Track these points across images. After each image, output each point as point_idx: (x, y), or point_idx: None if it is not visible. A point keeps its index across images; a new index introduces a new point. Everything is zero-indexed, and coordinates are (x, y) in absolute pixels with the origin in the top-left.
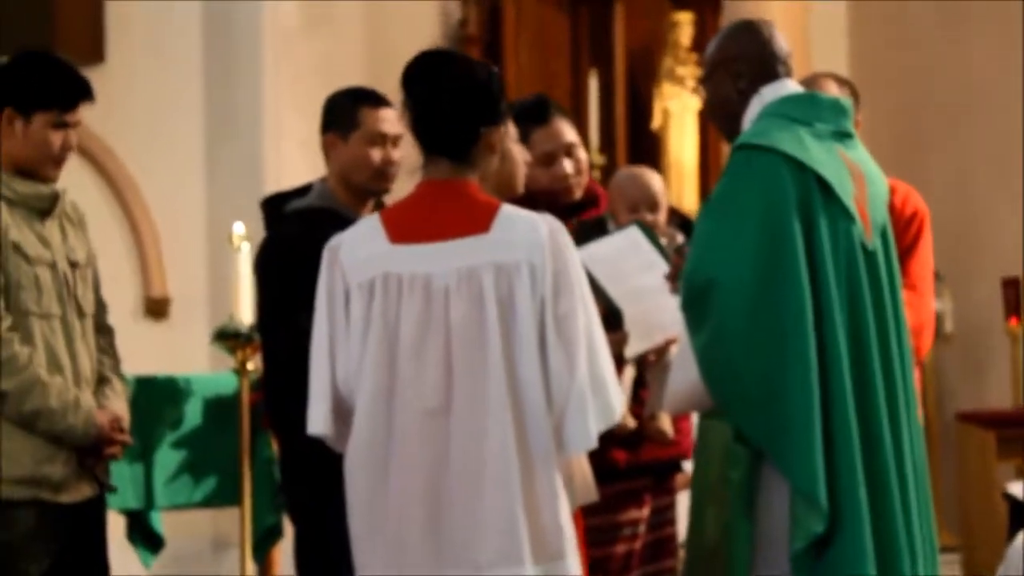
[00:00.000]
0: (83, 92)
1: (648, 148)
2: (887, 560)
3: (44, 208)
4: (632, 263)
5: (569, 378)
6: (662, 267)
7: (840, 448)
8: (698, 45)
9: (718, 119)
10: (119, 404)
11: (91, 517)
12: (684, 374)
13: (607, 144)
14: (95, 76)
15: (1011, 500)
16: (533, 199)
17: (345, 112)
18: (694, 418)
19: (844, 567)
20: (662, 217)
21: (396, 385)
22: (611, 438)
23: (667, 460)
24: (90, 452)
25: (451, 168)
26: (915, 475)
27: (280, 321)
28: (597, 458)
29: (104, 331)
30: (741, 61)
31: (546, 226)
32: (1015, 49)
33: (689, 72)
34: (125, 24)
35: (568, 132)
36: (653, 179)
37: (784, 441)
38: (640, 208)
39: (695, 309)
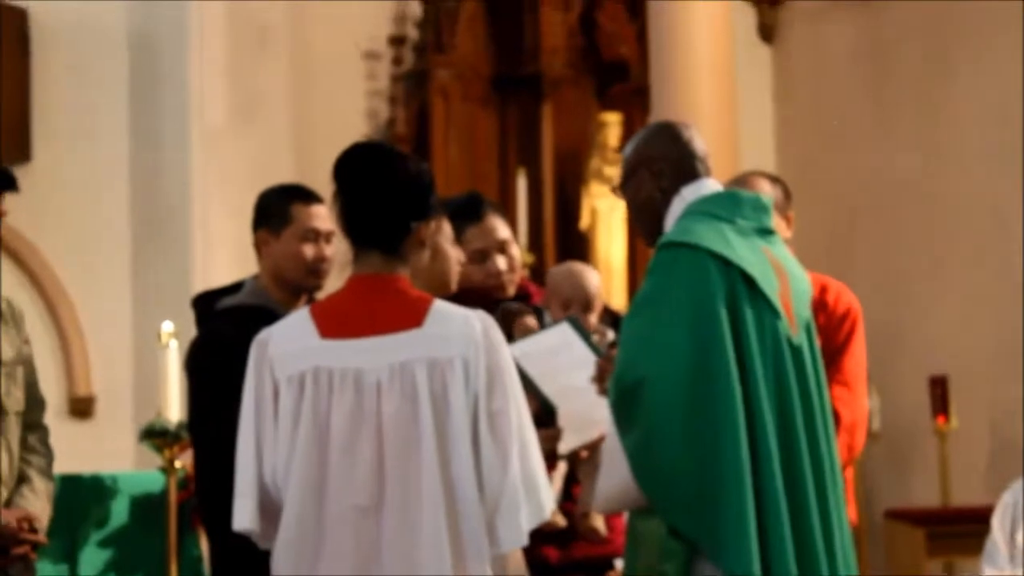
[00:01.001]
0: (10, 180)
1: (576, 247)
2: None
3: None
4: (564, 359)
5: (501, 475)
6: (592, 364)
7: (773, 540)
8: (625, 145)
9: (640, 221)
10: (37, 504)
11: None
12: (614, 474)
13: (536, 243)
14: (22, 174)
15: None
16: (466, 295)
17: (277, 208)
18: (626, 515)
19: None
20: (594, 317)
21: (326, 481)
22: (543, 535)
23: (600, 557)
24: None
25: (382, 262)
26: (846, 570)
27: (211, 419)
28: (529, 555)
29: (35, 429)
30: (662, 161)
31: (479, 322)
32: (943, 145)
33: (616, 172)
34: (51, 123)
35: (501, 229)
36: (589, 276)
37: (719, 535)
38: (573, 306)
39: (626, 408)
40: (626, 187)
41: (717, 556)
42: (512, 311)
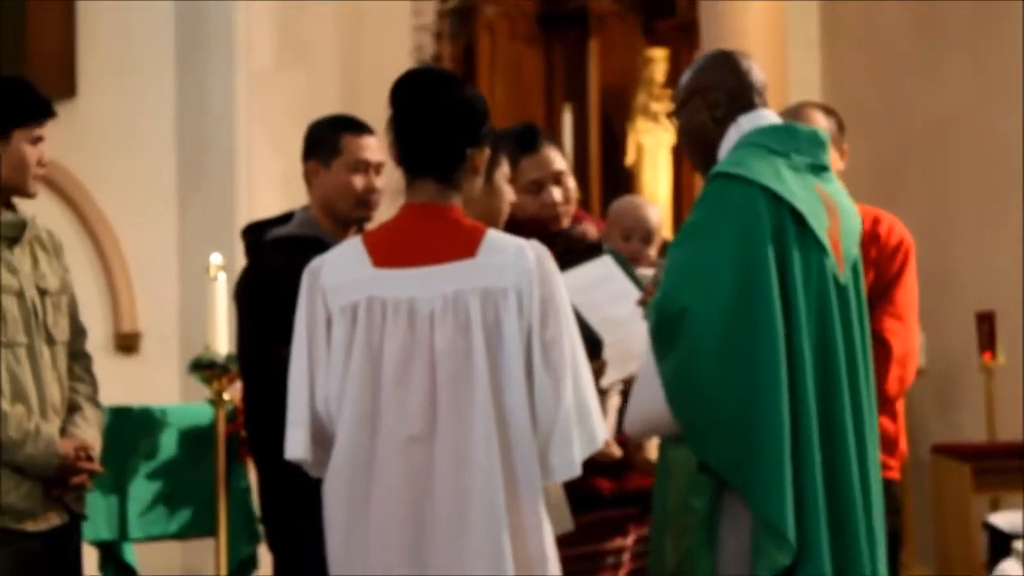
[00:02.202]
0: (48, 107)
1: (622, 183)
2: None
3: (12, 236)
4: (606, 292)
5: (555, 405)
6: (635, 297)
7: (806, 482)
8: (672, 81)
9: (692, 149)
10: (89, 432)
11: (62, 546)
12: (645, 399)
13: (582, 180)
14: (67, 111)
15: (991, 531)
16: (521, 226)
17: (327, 140)
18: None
19: None
20: (654, 249)
21: (379, 411)
22: (595, 466)
23: (652, 489)
24: (55, 481)
25: (436, 190)
26: (878, 509)
27: (261, 349)
28: (582, 486)
29: (80, 358)
30: (718, 90)
31: (533, 252)
32: (993, 82)
33: (663, 108)
34: (97, 59)
35: (557, 160)
36: (651, 209)
37: (752, 473)
38: (633, 237)
39: (665, 336)
40: (680, 114)
41: (748, 496)
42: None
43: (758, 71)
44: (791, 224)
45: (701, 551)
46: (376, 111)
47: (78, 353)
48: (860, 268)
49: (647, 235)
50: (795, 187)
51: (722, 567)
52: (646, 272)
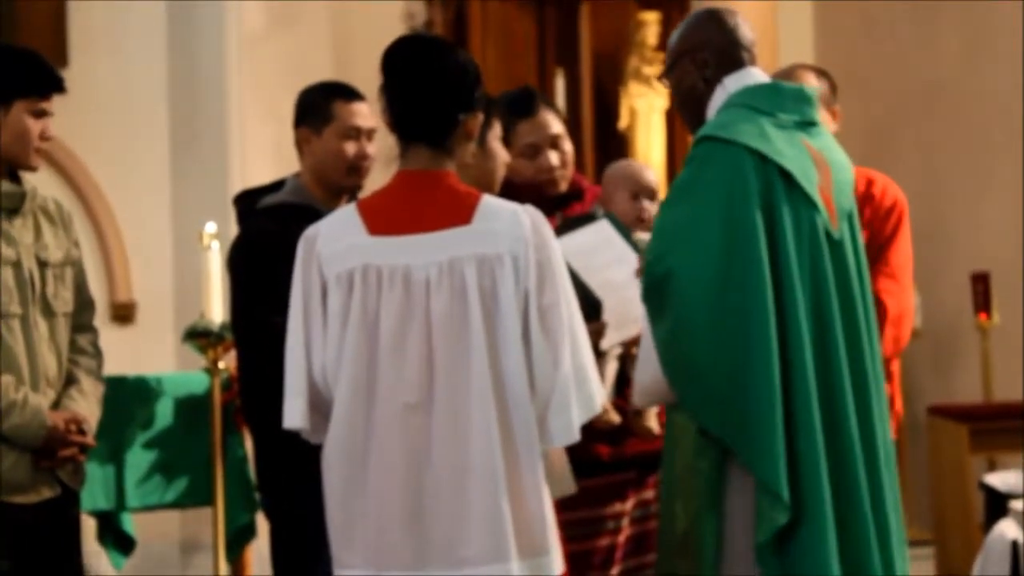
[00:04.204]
0: (57, 81)
1: (615, 148)
2: (855, 552)
3: (12, 207)
4: (604, 256)
5: (553, 370)
6: (633, 261)
7: (803, 440)
8: (664, 44)
9: (684, 111)
10: (84, 405)
11: (55, 519)
12: (648, 366)
13: (574, 144)
14: None
15: (988, 491)
16: (517, 190)
17: (318, 106)
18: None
19: (807, 559)
20: (655, 208)
21: (376, 378)
22: (594, 432)
23: (651, 454)
24: (44, 453)
25: (430, 156)
26: (887, 468)
27: (254, 317)
28: (581, 451)
29: (85, 331)
30: (706, 50)
31: (528, 218)
32: (986, 43)
33: (655, 71)
34: (88, 28)
35: (554, 124)
36: (650, 170)
37: (746, 435)
38: (641, 196)
39: (655, 299)
40: (669, 76)
41: (743, 456)
42: (574, 220)
43: (746, 27)
44: (779, 183)
45: (707, 514)
46: (368, 77)
47: (83, 326)
48: (856, 221)
49: (652, 193)
50: (782, 145)
51: (729, 528)
52: (644, 236)
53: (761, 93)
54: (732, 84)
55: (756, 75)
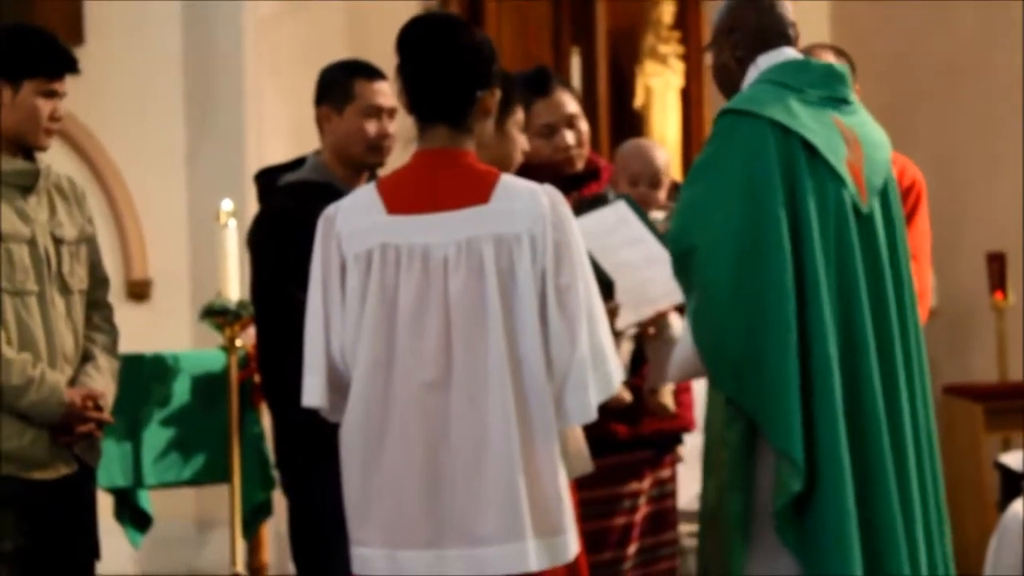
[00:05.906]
0: (70, 62)
1: (631, 127)
2: (879, 523)
3: (26, 184)
4: (620, 237)
5: (570, 350)
6: (649, 242)
7: (822, 410)
8: (680, 23)
9: (721, 88)
10: (101, 381)
11: (72, 495)
12: (686, 340)
13: (590, 123)
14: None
15: (1003, 471)
16: (534, 170)
17: (340, 84)
18: (696, 392)
19: (824, 527)
20: (663, 193)
21: (394, 357)
22: (611, 411)
23: (668, 433)
24: (62, 429)
25: (448, 135)
26: (922, 445)
27: (275, 294)
28: (598, 430)
29: (100, 307)
30: (739, 31)
31: (546, 197)
32: (1001, 25)
33: (671, 50)
34: (104, 7)
35: (570, 103)
36: (657, 152)
37: (763, 403)
38: (640, 182)
39: (682, 275)
40: (711, 52)
41: (760, 424)
42: (589, 201)
43: (784, 6)
44: (802, 155)
45: (734, 486)
46: (383, 57)
47: (98, 302)
48: (893, 197)
49: (654, 179)
50: (807, 119)
51: (760, 502)
52: (658, 215)
53: (790, 69)
54: (764, 62)
55: (789, 53)
